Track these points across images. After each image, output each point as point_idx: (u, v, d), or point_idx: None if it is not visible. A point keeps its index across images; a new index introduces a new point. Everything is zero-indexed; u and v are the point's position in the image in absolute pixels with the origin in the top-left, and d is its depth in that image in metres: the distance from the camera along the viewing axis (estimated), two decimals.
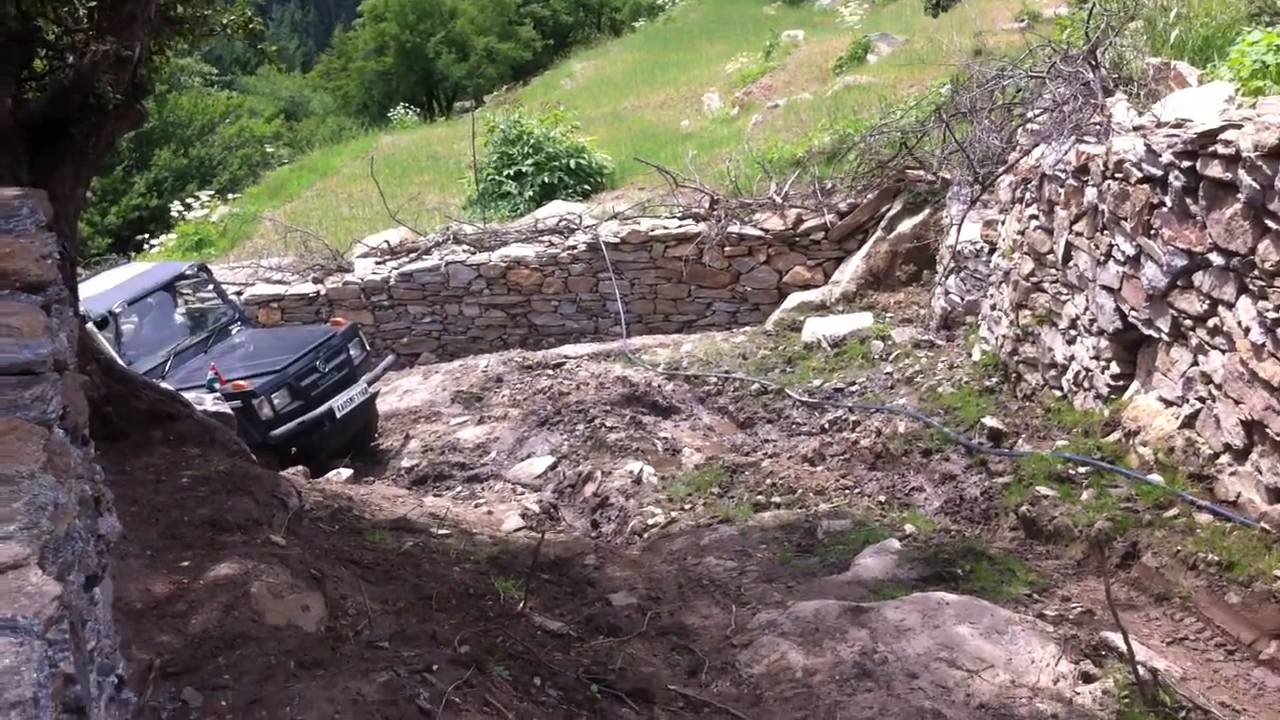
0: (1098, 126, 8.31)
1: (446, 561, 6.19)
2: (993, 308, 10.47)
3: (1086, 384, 8.36)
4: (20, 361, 2.41)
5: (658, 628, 5.79)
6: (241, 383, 10.76)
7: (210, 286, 12.78)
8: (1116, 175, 7.52)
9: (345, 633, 4.43)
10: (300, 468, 10.00)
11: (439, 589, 5.42)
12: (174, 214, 24.17)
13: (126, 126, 6.87)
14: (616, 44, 42.90)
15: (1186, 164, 6.58)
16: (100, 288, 12.00)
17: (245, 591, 4.30)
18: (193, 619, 4.05)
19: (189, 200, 24.87)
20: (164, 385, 9.22)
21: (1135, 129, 7.67)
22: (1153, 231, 7.07)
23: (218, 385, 10.58)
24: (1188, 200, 6.62)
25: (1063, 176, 8.55)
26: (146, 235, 25.58)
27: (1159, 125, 7.34)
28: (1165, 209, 6.89)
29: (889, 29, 26.43)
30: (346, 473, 10.55)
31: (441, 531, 7.33)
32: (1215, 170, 6.24)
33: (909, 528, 7.56)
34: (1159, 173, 6.91)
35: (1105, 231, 7.81)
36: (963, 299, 11.59)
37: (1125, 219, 7.42)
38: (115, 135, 6.90)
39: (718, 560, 7.11)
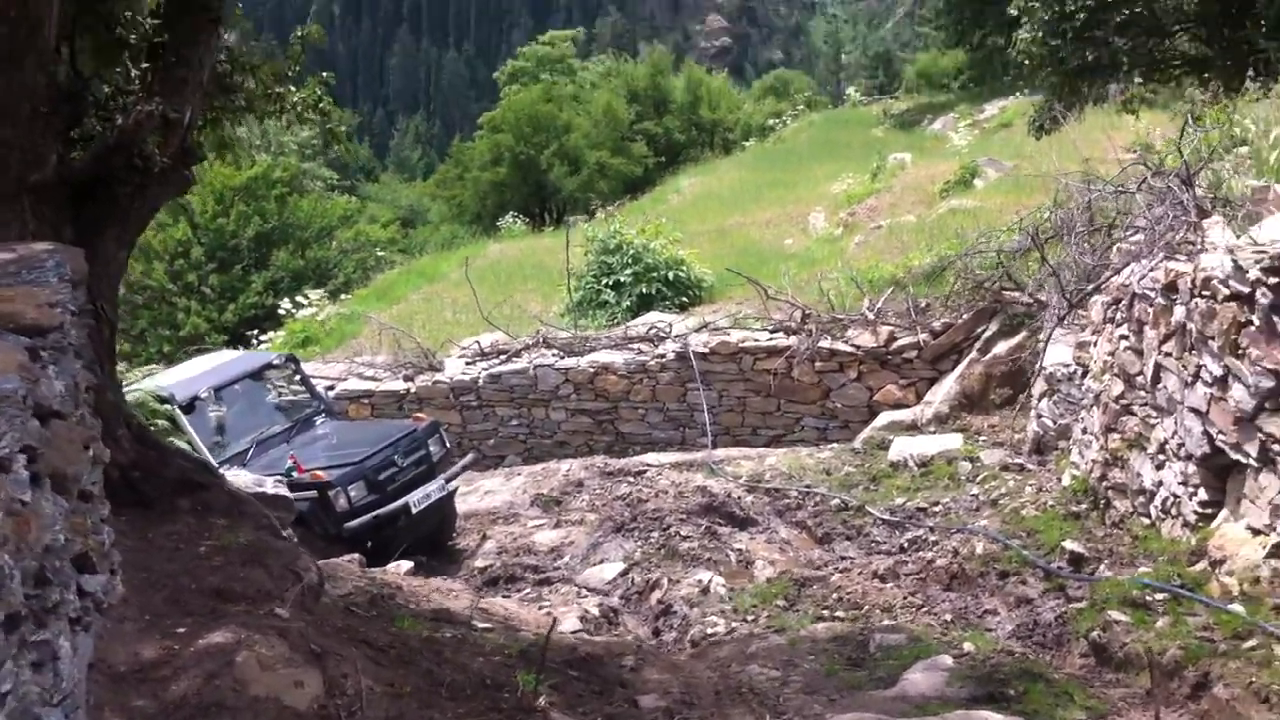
0: (1192, 247, 8.06)
1: (472, 652, 6.01)
2: (1084, 431, 10.12)
3: (1174, 511, 7.96)
4: None
5: None
6: (320, 473, 10.79)
7: (298, 377, 12.96)
8: (1204, 293, 7.23)
9: (338, 713, 4.28)
10: (355, 555, 9.95)
11: (455, 677, 5.23)
12: (282, 311, 24.75)
13: (172, 191, 6.94)
14: (726, 162, 43.31)
15: (1274, 280, 6.31)
16: (189, 373, 12.27)
17: (230, 661, 4.19)
18: (173, 685, 3.97)
19: (299, 299, 25.49)
20: (244, 472, 9.27)
21: (1228, 249, 7.41)
22: (1240, 351, 6.75)
23: (295, 474, 10.63)
24: (1275, 318, 6.33)
25: (1151, 295, 8.27)
26: (256, 331, 26.26)
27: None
28: (1253, 327, 6.58)
29: (998, 154, 26.19)
30: (406, 565, 10.43)
31: (483, 625, 7.17)
32: None
33: (967, 646, 7.21)
34: (1246, 289, 6.62)
35: (1193, 351, 7.49)
36: (1055, 422, 11.25)
37: (1212, 338, 7.11)
38: (160, 199, 6.97)
39: (761, 669, 6.84)
